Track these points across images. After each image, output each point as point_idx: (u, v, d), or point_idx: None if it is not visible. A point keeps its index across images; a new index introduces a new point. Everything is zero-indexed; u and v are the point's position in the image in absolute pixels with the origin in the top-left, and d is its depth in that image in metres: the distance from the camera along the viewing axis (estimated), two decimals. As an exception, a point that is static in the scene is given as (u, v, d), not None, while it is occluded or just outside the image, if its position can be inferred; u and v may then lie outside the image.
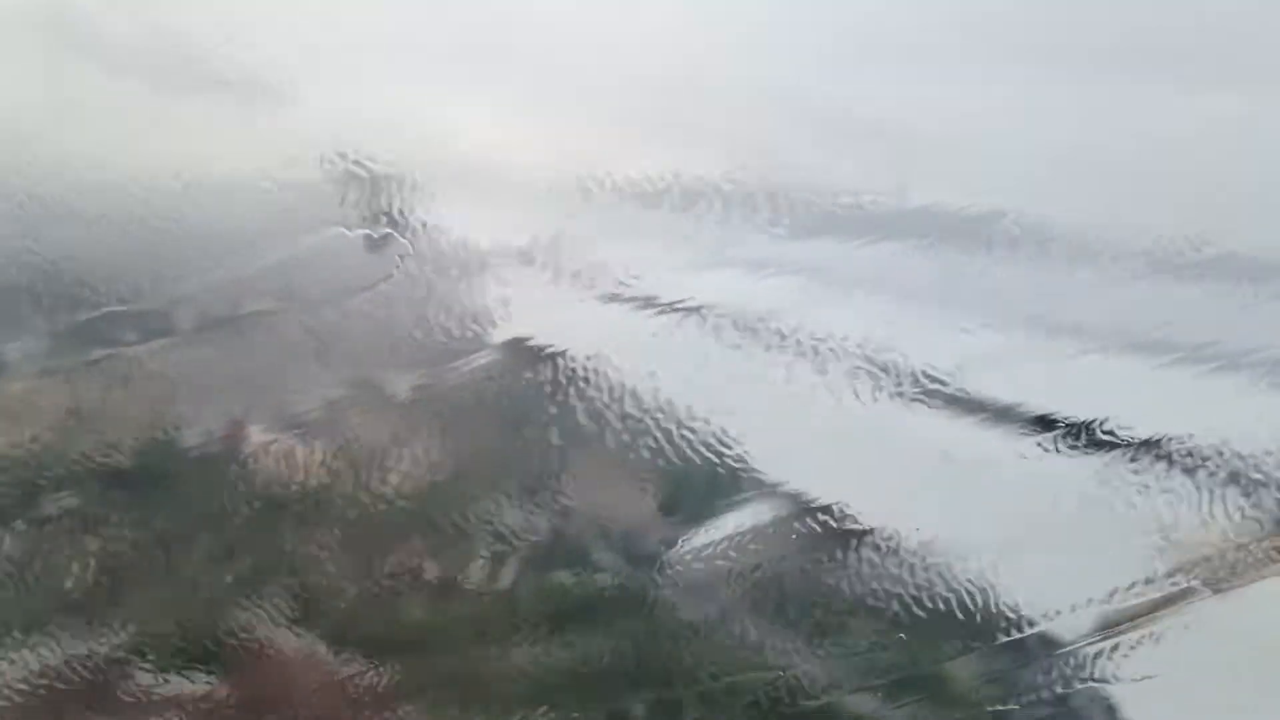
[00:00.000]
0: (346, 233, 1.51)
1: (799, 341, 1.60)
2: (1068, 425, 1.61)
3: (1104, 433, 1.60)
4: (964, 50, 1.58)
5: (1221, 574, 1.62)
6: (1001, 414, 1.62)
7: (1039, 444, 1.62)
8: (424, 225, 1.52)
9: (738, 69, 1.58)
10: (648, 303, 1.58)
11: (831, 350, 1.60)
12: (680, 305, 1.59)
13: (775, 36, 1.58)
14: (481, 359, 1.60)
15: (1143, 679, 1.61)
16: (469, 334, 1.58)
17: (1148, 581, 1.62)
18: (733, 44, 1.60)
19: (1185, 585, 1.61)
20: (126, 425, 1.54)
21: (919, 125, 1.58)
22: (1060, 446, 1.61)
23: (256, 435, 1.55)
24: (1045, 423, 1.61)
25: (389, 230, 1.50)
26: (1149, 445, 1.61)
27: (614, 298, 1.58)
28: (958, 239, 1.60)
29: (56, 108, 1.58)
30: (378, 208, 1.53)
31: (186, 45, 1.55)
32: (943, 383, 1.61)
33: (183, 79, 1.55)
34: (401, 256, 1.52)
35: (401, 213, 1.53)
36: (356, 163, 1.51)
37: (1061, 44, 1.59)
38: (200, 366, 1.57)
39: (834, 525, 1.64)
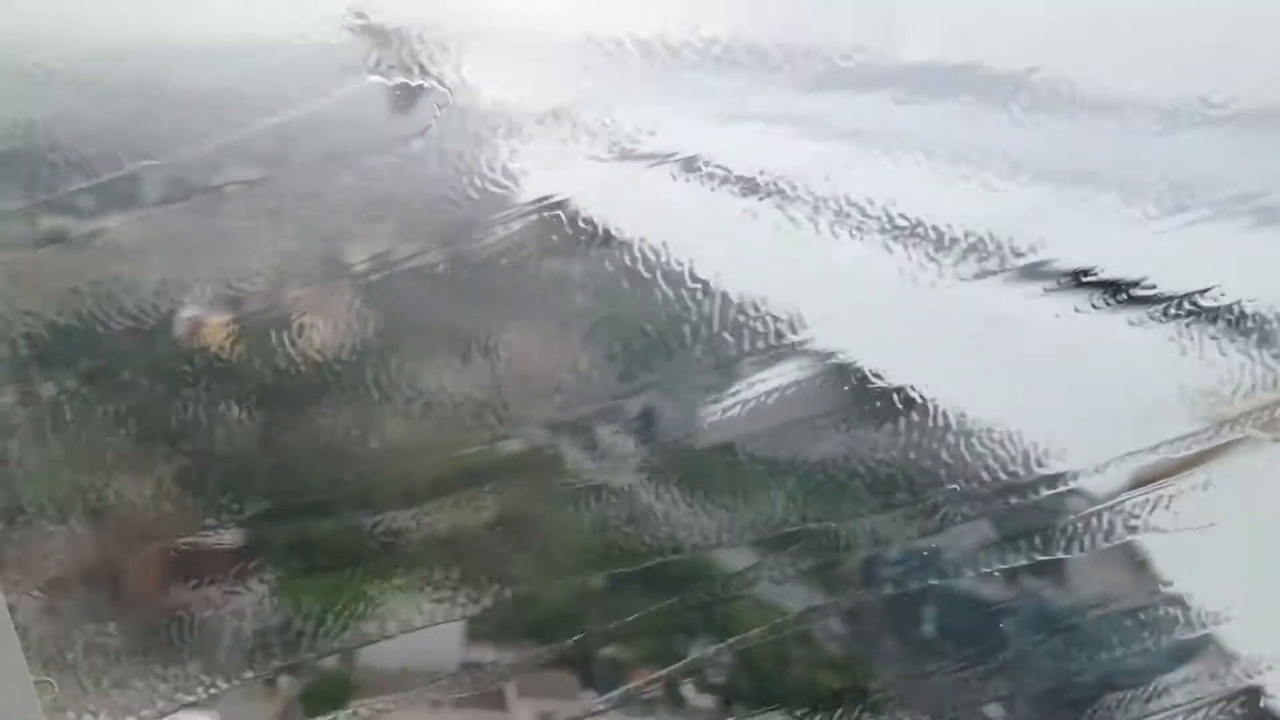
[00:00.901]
0: (385, 81, 1.49)
1: (824, 199, 1.58)
2: (1105, 283, 1.58)
3: (1142, 288, 1.57)
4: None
5: (1257, 431, 1.59)
6: (1033, 271, 1.59)
7: (1074, 302, 1.59)
8: (443, 83, 1.51)
9: None
10: (666, 159, 1.56)
11: (856, 208, 1.58)
12: (702, 161, 1.57)
13: None
14: (504, 219, 1.58)
15: (1196, 528, 1.59)
16: (491, 193, 1.57)
17: (1189, 435, 1.60)
18: None
19: (1229, 437, 1.59)
20: (151, 281, 1.54)
21: None
22: (1097, 303, 1.58)
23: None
24: (1081, 279, 1.59)
25: (424, 80, 1.48)
26: (1186, 300, 1.58)
27: (630, 154, 1.56)
28: (981, 95, 1.57)
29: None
30: (398, 63, 1.51)
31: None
32: (974, 242, 1.58)
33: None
34: (440, 106, 1.51)
35: (423, 68, 1.51)
36: (371, 19, 1.49)
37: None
38: (222, 226, 1.56)
39: (865, 385, 1.62)
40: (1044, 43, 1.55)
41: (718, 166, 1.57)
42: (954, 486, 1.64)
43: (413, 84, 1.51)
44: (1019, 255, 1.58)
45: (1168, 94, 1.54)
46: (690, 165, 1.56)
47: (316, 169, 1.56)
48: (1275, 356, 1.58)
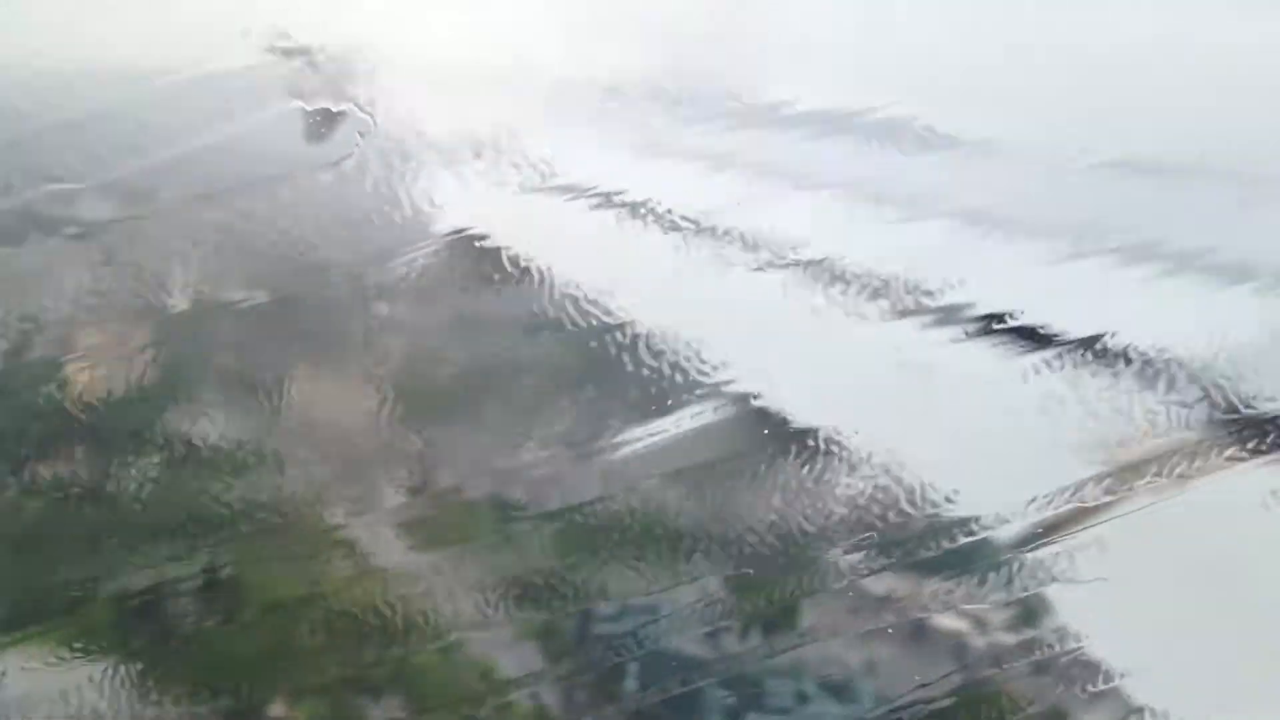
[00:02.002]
0: (305, 107, 1.49)
1: (737, 234, 1.59)
2: (1011, 328, 1.60)
3: (1045, 332, 1.59)
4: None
5: (1161, 477, 1.61)
6: (940, 314, 1.61)
7: (980, 346, 1.61)
8: (365, 109, 1.51)
9: None
10: (583, 193, 1.57)
11: (769, 245, 1.60)
12: (616, 197, 1.58)
13: None
14: (421, 250, 1.58)
15: (1091, 581, 1.59)
16: (408, 224, 1.57)
17: (1086, 485, 1.60)
18: None
19: (1126, 488, 1.60)
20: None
21: (836, 28, 1.58)
22: (1003, 347, 1.60)
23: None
24: (987, 324, 1.60)
25: (347, 105, 1.49)
26: (1087, 345, 1.60)
27: (548, 188, 1.57)
28: (888, 138, 1.60)
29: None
30: (316, 88, 1.52)
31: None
32: (877, 278, 1.60)
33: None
34: (362, 133, 1.51)
35: (342, 93, 1.52)
36: (294, 43, 1.50)
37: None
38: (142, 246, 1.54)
39: (775, 425, 1.62)
40: (931, 89, 1.59)
41: (634, 201, 1.58)
42: (868, 533, 1.63)
43: (333, 109, 1.52)
44: (925, 296, 1.60)
45: (1052, 140, 1.58)
46: (607, 200, 1.58)
47: (220, 198, 1.55)
48: (1176, 402, 1.60)
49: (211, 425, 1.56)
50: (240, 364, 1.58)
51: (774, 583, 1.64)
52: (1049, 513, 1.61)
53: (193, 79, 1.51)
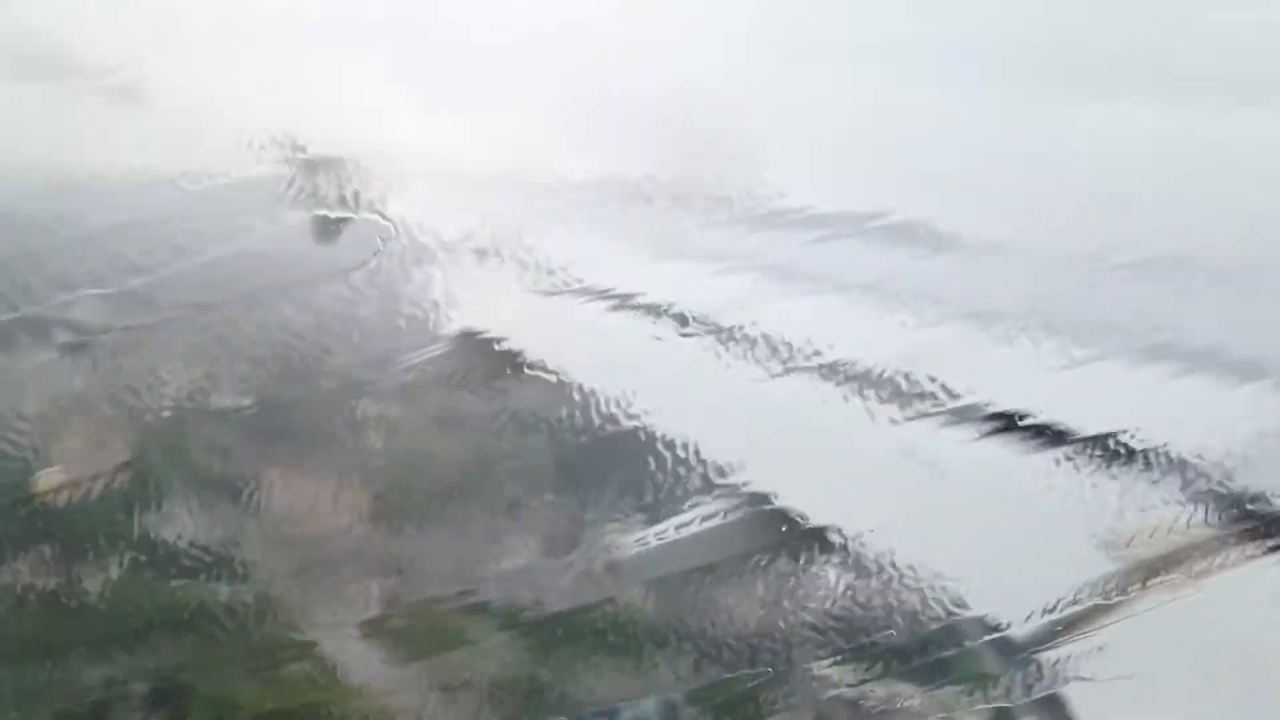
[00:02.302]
0: (327, 215, 1.48)
1: (750, 337, 1.60)
2: (1027, 426, 1.60)
3: (1062, 430, 1.60)
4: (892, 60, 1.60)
5: (1176, 573, 1.61)
6: (955, 413, 1.61)
7: (996, 445, 1.61)
8: (386, 216, 1.51)
9: (667, 75, 1.60)
10: (597, 295, 1.58)
11: (782, 347, 1.60)
12: (630, 299, 1.58)
13: (705, 42, 1.60)
14: (433, 352, 1.57)
15: (1113, 679, 1.58)
16: (421, 326, 1.56)
17: (1103, 584, 1.60)
18: (663, 49, 1.61)
19: (1141, 586, 1.60)
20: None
21: (848, 133, 1.60)
22: (1019, 446, 1.60)
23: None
24: (1004, 422, 1.61)
25: (366, 212, 1.48)
26: (1101, 443, 1.61)
27: (563, 290, 1.57)
28: (892, 239, 1.61)
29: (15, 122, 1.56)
30: (333, 197, 1.52)
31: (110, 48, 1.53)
32: (892, 379, 1.61)
33: (116, 81, 1.54)
34: (384, 239, 1.50)
35: (359, 202, 1.52)
36: (312, 153, 1.50)
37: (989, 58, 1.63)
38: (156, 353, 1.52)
39: (787, 524, 1.61)
40: (941, 192, 1.61)
41: (650, 303, 1.58)
42: (885, 632, 1.62)
43: (350, 218, 1.52)
44: (941, 396, 1.60)
45: (1064, 242, 1.59)
46: (623, 302, 1.58)
47: (242, 304, 1.54)
48: (1191, 499, 1.61)
49: (181, 529, 1.54)
50: (218, 469, 1.56)
51: (776, 684, 1.62)
52: (1066, 611, 1.60)
53: (212, 189, 1.51)
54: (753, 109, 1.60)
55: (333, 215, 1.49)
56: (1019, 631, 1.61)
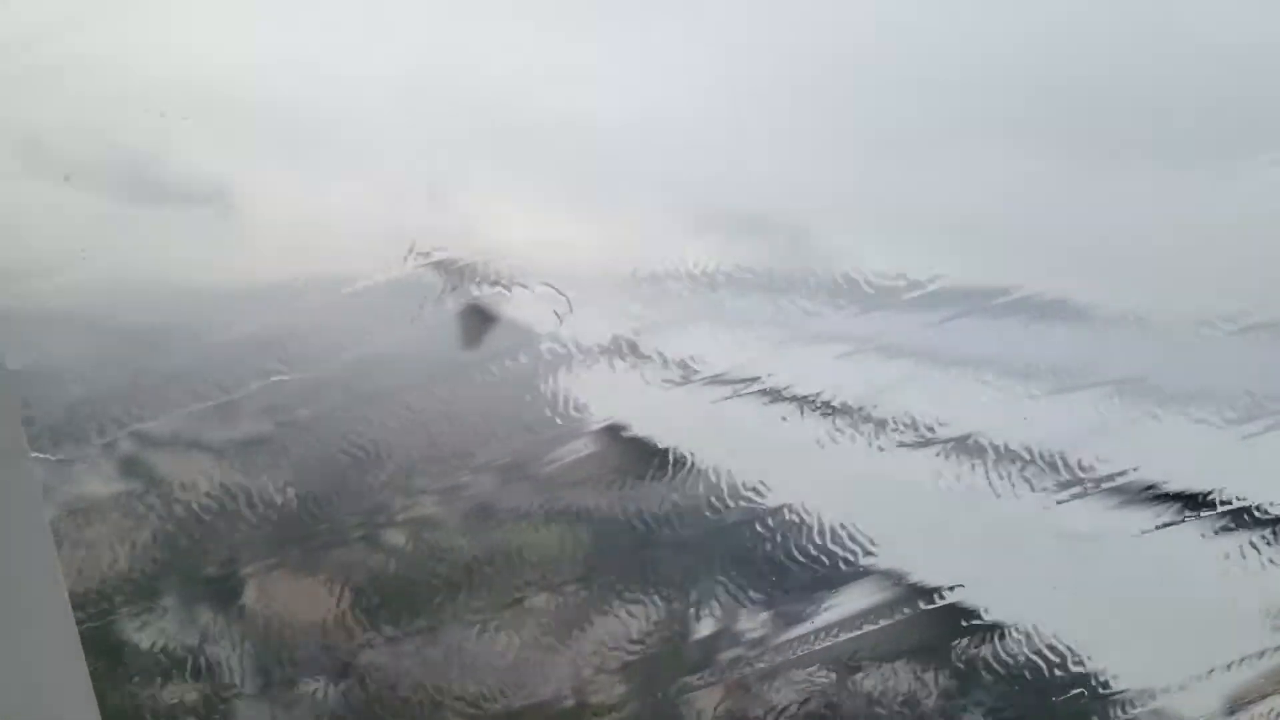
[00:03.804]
0: (479, 306, 1.50)
1: (881, 420, 1.59)
2: (1177, 495, 1.58)
3: (1214, 499, 1.58)
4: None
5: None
6: (1103, 487, 1.60)
7: (1147, 516, 1.59)
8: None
9: (768, 161, 1.60)
10: (728, 382, 1.58)
11: (917, 426, 1.59)
12: (757, 385, 1.58)
13: (807, 127, 1.60)
14: (577, 447, 1.58)
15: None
16: (562, 421, 1.57)
17: (1268, 652, 1.57)
18: (762, 138, 1.61)
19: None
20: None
21: (955, 210, 1.59)
22: (1171, 517, 1.58)
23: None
24: (1154, 493, 1.59)
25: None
26: (1258, 510, 1.58)
27: (691, 378, 1.57)
28: (1021, 314, 1.60)
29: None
30: (466, 295, 1.54)
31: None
32: (1035, 458, 1.59)
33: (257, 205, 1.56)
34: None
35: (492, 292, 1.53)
36: (434, 256, 1.52)
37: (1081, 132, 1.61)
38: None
39: (941, 607, 1.60)
40: (1072, 266, 1.59)
41: (775, 388, 1.58)
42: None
43: (487, 312, 1.54)
44: (1084, 471, 1.59)
45: (1194, 306, 1.57)
46: (750, 387, 1.58)
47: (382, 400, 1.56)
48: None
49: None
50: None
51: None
52: (1232, 681, 1.57)
53: (350, 293, 1.53)
54: (858, 192, 1.59)
55: (484, 307, 1.51)
56: (1183, 703, 1.59)
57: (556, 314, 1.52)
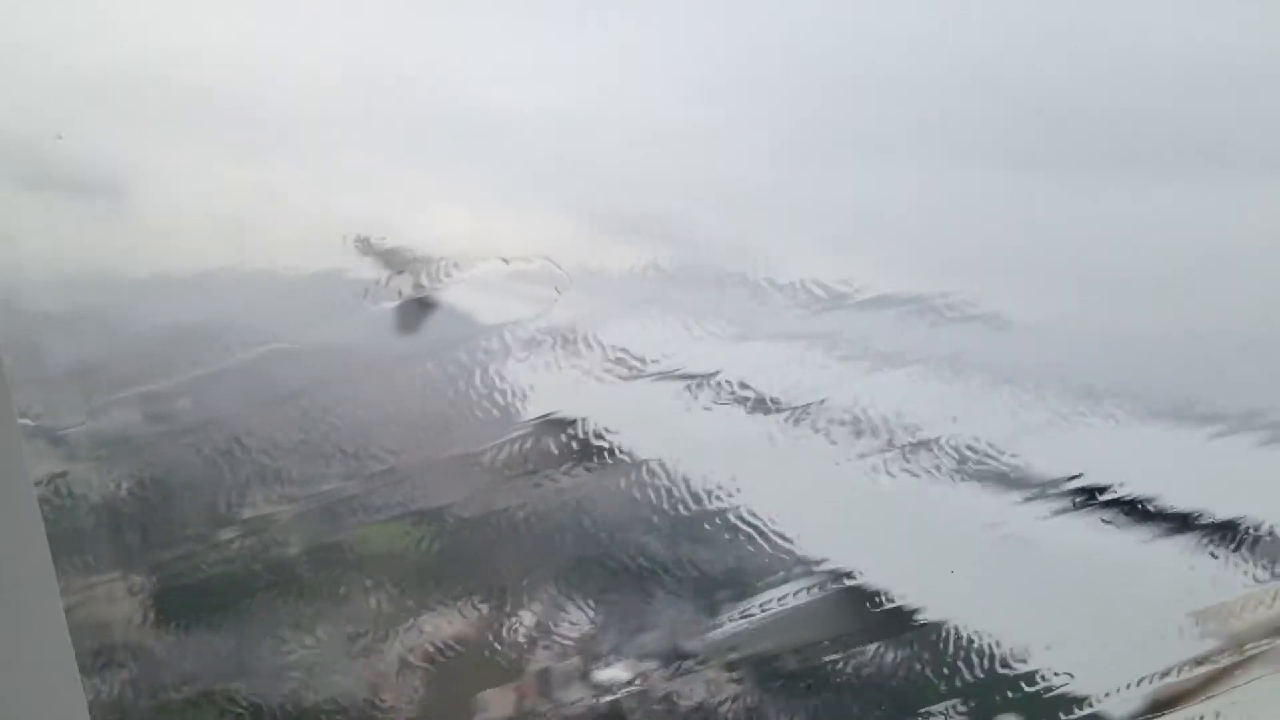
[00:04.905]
0: (421, 298, 1.47)
1: (825, 415, 1.58)
2: (1116, 501, 1.58)
3: (1149, 507, 1.57)
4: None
5: (1274, 647, 1.58)
6: (1044, 489, 1.59)
7: (1085, 521, 1.58)
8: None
9: (705, 162, 1.56)
10: (678, 376, 1.56)
11: (868, 424, 1.58)
12: (715, 379, 1.56)
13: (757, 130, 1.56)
14: (514, 434, 1.57)
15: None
16: (501, 412, 1.55)
17: (1198, 658, 1.58)
18: (699, 140, 1.56)
19: (1236, 660, 1.57)
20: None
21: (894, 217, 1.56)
22: (1108, 520, 1.58)
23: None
24: (1092, 497, 1.58)
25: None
26: (1194, 517, 1.58)
27: (641, 372, 1.55)
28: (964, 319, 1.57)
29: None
30: (405, 284, 1.50)
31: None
32: (984, 455, 1.58)
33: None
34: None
35: (430, 286, 1.50)
36: (374, 243, 1.48)
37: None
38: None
39: (870, 603, 1.60)
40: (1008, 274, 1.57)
41: (732, 384, 1.56)
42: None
43: (422, 302, 1.51)
44: (1026, 468, 1.58)
45: (1151, 315, 1.55)
46: (703, 383, 1.56)
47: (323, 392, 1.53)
48: (1287, 572, 1.58)
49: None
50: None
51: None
52: (1161, 686, 1.58)
53: (282, 284, 1.50)
54: (801, 196, 1.56)
55: (422, 297, 1.48)
56: (1113, 707, 1.60)
57: (556, 289, 1.48)
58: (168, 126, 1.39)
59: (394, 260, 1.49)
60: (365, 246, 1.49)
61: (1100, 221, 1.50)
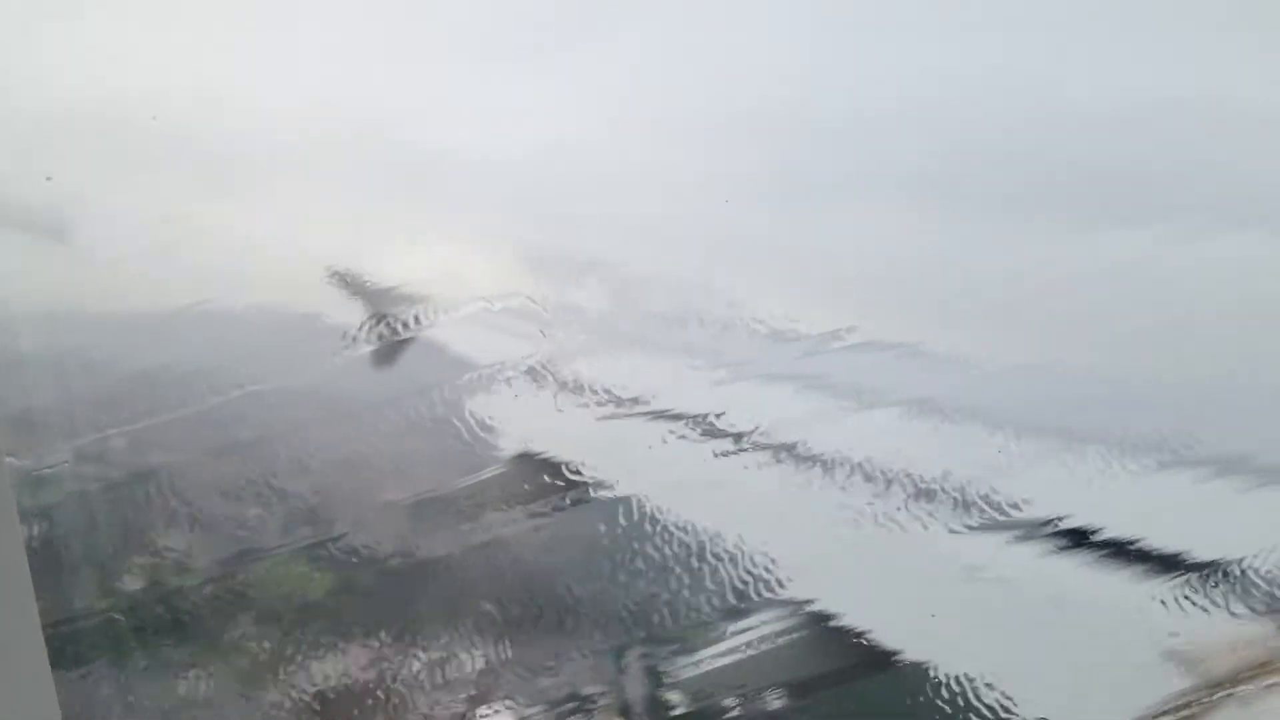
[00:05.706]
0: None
1: (807, 455, 1.57)
2: (1093, 542, 1.58)
3: (1129, 546, 1.57)
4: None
5: (1249, 687, 1.59)
6: (1021, 528, 1.59)
7: (1062, 561, 1.58)
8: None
9: (663, 203, 1.55)
10: (660, 414, 1.55)
11: (841, 464, 1.57)
12: (700, 418, 1.56)
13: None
14: (490, 473, 1.56)
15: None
16: (478, 448, 1.54)
17: (1176, 699, 1.58)
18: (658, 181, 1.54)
19: (1220, 694, 1.58)
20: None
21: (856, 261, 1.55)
22: (1085, 561, 1.57)
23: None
24: (1070, 538, 1.58)
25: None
26: (1171, 558, 1.58)
27: (626, 411, 1.54)
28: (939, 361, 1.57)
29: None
30: (381, 323, 1.49)
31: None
32: (959, 495, 1.58)
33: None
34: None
35: (405, 325, 1.49)
36: (350, 282, 1.47)
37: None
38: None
39: (851, 643, 1.59)
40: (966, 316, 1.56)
41: (716, 422, 1.56)
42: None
43: (398, 340, 1.50)
44: (1006, 510, 1.58)
45: (1128, 359, 1.55)
46: (690, 423, 1.55)
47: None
48: (1261, 612, 1.58)
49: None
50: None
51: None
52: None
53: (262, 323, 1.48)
54: (763, 239, 1.55)
55: (401, 338, 1.46)
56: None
57: (541, 332, 1.47)
58: (134, 166, 1.37)
59: (367, 299, 1.48)
60: (340, 282, 1.47)
61: (1081, 266, 1.49)
